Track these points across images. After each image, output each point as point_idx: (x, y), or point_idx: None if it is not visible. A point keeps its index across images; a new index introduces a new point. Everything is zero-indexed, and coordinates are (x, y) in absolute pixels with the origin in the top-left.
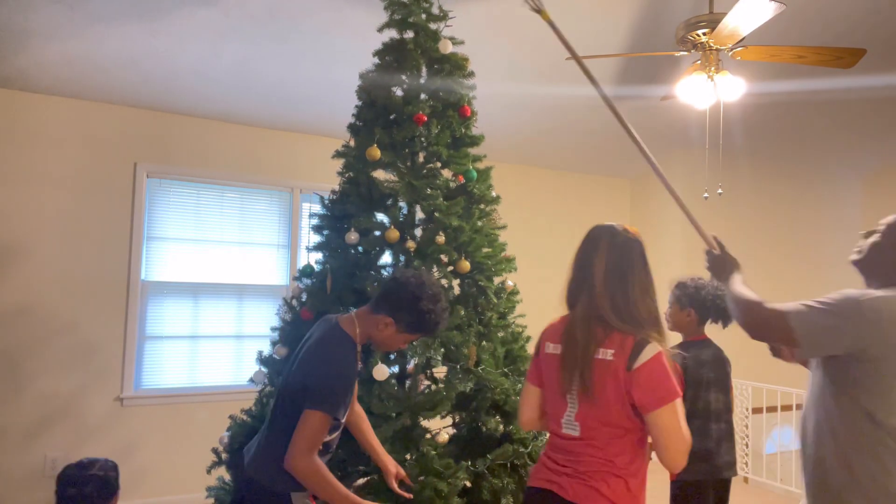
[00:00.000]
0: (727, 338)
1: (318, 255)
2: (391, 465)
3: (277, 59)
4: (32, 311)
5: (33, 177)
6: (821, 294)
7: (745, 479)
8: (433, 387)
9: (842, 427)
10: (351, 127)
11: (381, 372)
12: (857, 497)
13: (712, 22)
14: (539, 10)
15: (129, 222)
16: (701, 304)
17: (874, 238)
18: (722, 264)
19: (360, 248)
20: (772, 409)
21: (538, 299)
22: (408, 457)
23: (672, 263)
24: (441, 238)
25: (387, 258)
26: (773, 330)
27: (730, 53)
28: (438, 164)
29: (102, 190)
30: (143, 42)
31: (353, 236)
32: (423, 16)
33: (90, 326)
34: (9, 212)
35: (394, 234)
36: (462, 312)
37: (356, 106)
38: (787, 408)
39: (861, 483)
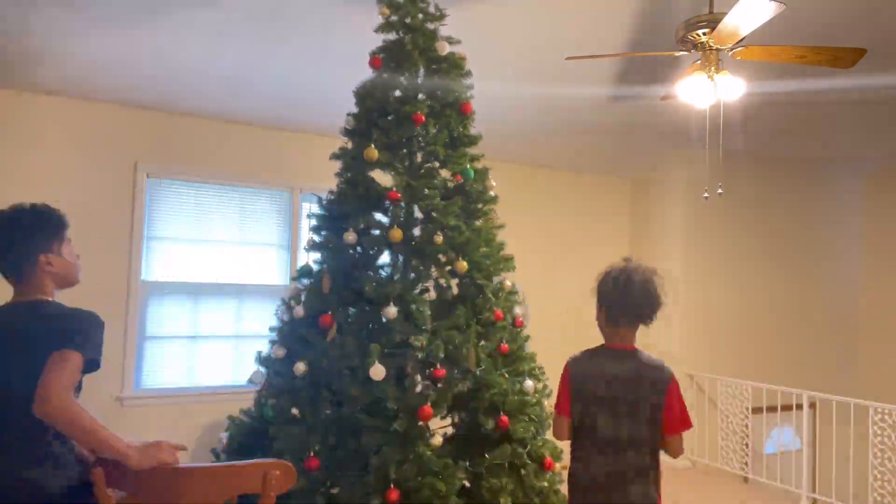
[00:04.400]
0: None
1: (317, 255)
2: None
3: (277, 59)
4: None
5: (33, 177)
6: (818, 290)
7: (745, 479)
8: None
9: None
10: (347, 128)
11: (378, 372)
12: None
13: (712, 22)
14: None
15: (130, 222)
16: None
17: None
18: None
19: (358, 248)
20: (772, 409)
21: (538, 299)
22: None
23: (672, 264)
24: (439, 238)
25: (385, 258)
26: None
27: (730, 53)
28: (436, 164)
29: (103, 190)
30: (143, 42)
31: (350, 236)
32: (420, 16)
33: None
34: None
35: (397, 233)
36: (461, 312)
37: (355, 105)
38: (787, 408)
39: None
